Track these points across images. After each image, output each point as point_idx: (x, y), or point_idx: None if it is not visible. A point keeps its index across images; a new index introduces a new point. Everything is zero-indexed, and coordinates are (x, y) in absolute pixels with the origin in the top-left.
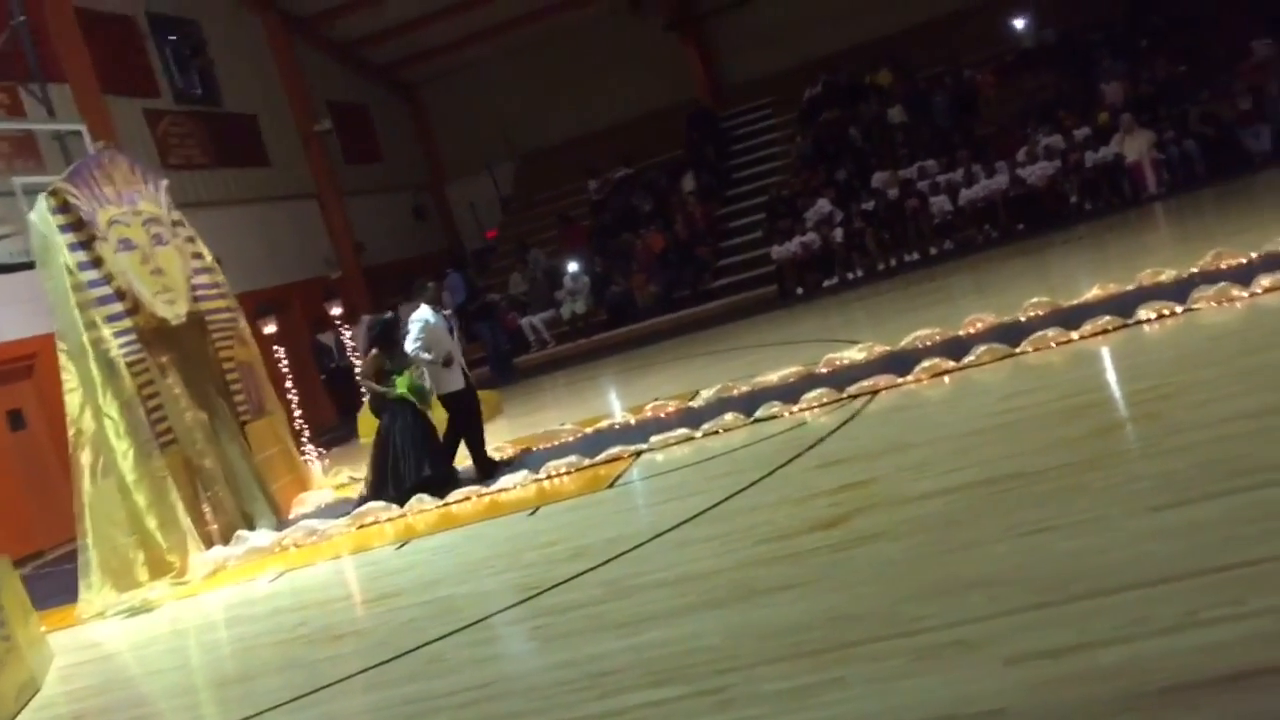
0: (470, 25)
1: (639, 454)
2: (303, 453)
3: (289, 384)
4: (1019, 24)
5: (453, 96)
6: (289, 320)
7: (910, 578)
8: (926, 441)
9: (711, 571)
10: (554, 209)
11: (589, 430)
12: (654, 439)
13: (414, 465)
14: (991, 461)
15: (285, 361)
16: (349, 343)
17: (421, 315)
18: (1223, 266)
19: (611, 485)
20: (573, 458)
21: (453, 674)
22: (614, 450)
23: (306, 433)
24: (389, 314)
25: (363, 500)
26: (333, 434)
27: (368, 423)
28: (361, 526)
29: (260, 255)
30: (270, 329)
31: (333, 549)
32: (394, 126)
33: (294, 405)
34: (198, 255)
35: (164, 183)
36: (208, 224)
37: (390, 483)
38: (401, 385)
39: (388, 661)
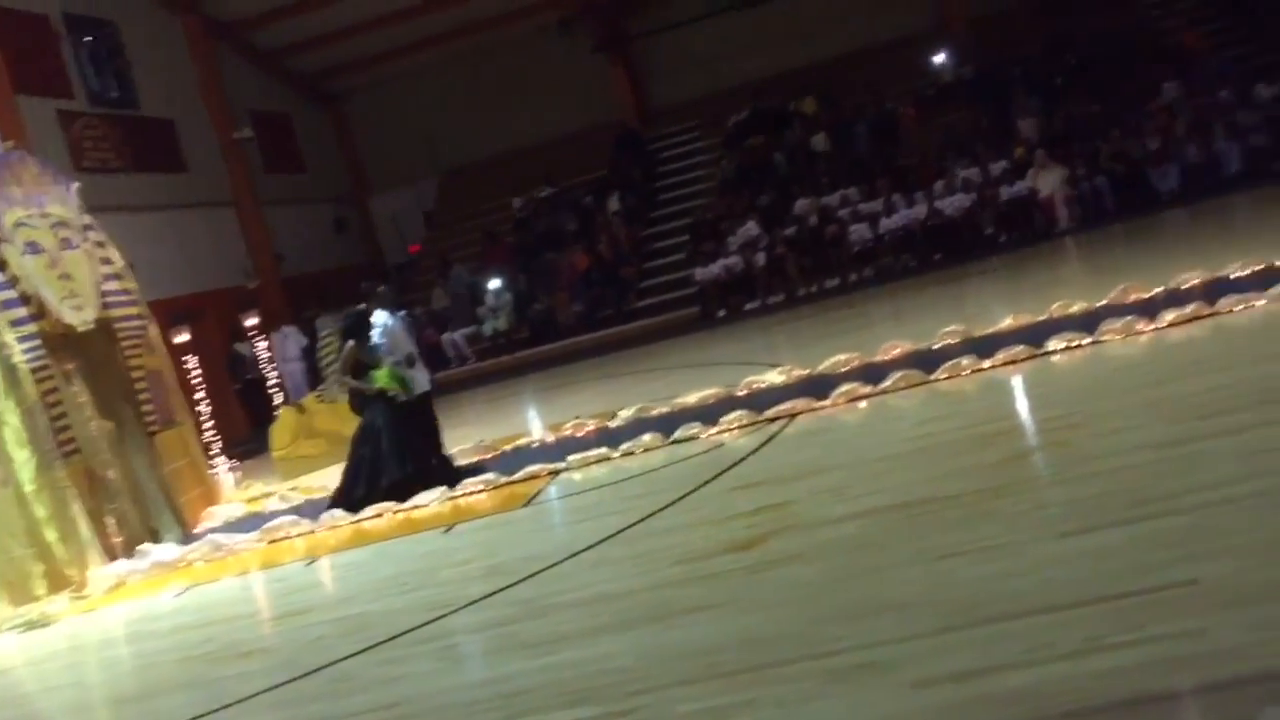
0: (397, 38)
1: (556, 473)
2: (213, 465)
3: (200, 394)
4: (940, 59)
5: (378, 109)
6: (203, 329)
7: (823, 600)
8: (842, 465)
9: (626, 592)
10: (478, 225)
11: (507, 448)
12: (572, 458)
13: (396, 463)
14: (905, 486)
15: (198, 371)
16: (264, 354)
17: (380, 319)
18: (1130, 300)
19: (528, 503)
20: (490, 475)
21: (361, 693)
22: (531, 468)
23: (218, 445)
24: (362, 305)
25: (333, 503)
26: (245, 446)
27: (281, 435)
28: (271, 542)
29: (175, 262)
30: (183, 338)
31: (240, 564)
32: (317, 137)
33: (205, 417)
34: (108, 260)
35: (75, 185)
36: (121, 229)
37: (363, 481)
38: (382, 379)
39: (294, 680)
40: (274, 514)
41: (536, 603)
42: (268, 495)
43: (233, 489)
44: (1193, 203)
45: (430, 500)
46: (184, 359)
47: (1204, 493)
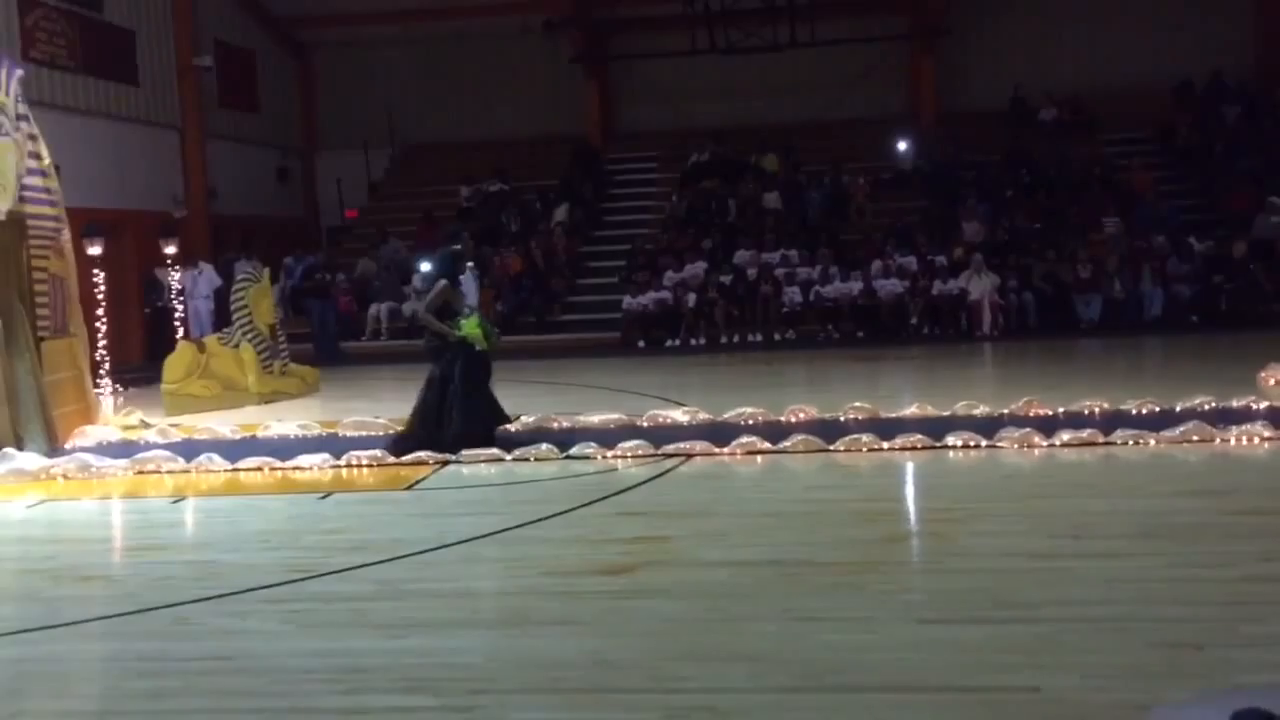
0: (380, 3)
1: (445, 463)
2: (98, 385)
3: (100, 311)
4: (902, 146)
5: (345, 68)
6: (119, 247)
7: (681, 638)
8: (728, 513)
9: (489, 592)
10: (421, 205)
11: (402, 429)
12: (464, 452)
13: (465, 412)
14: (783, 545)
15: (103, 288)
16: (176, 285)
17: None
18: (1031, 414)
19: (410, 487)
20: (377, 451)
21: (196, 640)
22: (421, 454)
23: (107, 365)
24: (457, 245)
25: (401, 442)
26: (136, 373)
27: (174, 369)
28: (140, 472)
29: (105, 174)
30: (96, 250)
31: (104, 488)
32: (278, 82)
33: (101, 335)
34: (36, 155)
35: (18, 73)
36: (56, 128)
37: (438, 424)
38: (470, 326)
39: (131, 613)
40: (149, 445)
41: (396, 585)
42: (147, 426)
43: (112, 413)
44: (1109, 336)
45: (312, 464)
46: (93, 272)
47: (1063, 608)
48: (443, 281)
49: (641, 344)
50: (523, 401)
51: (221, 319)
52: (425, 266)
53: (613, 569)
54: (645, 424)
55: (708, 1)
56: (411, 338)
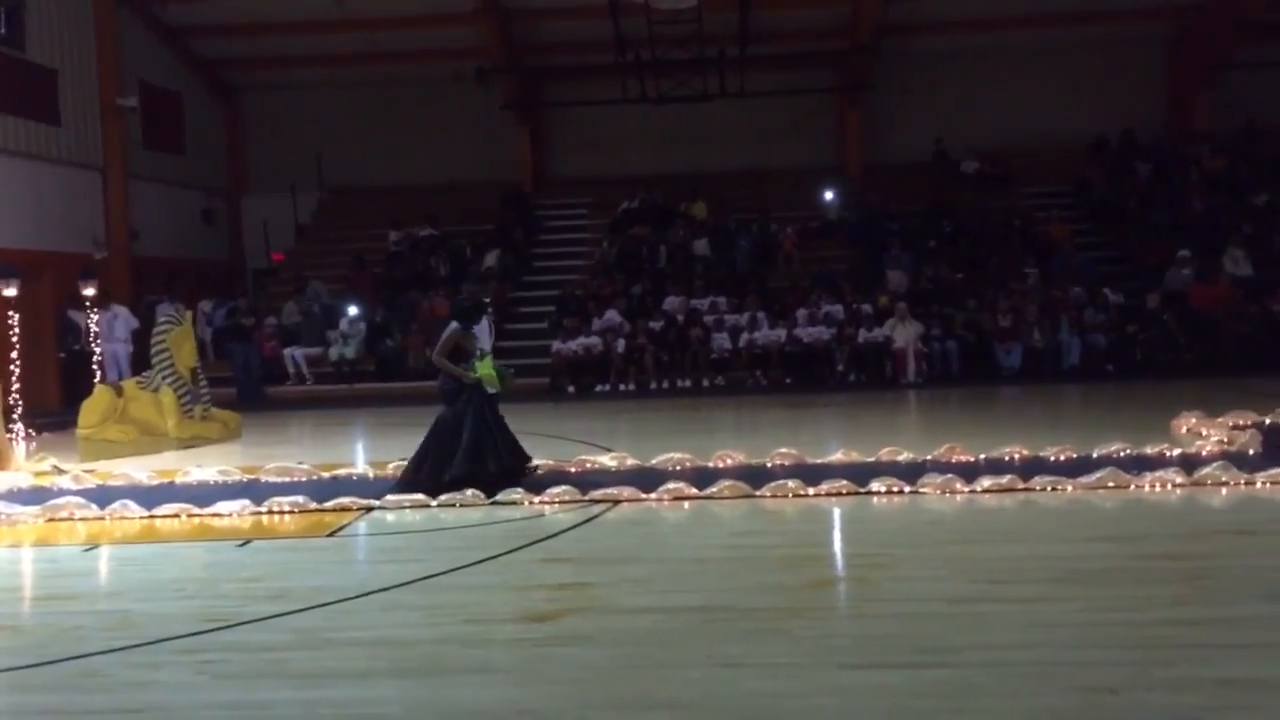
0: (308, 47)
1: (369, 509)
2: (9, 430)
3: (15, 354)
4: (829, 197)
5: (273, 111)
6: (36, 290)
7: (604, 686)
8: (654, 559)
9: (410, 640)
10: (350, 249)
11: (325, 475)
12: (388, 497)
13: (471, 455)
14: (709, 591)
15: (17, 331)
16: (95, 328)
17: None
18: (953, 460)
19: (333, 534)
20: (298, 498)
21: (105, 692)
22: (344, 500)
23: (20, 410)
24: (485, 298)
25: (405, 485)
26: (53, 418)
27: (90, 414)
28: (51, 519)
29: (23, 214)
30: (10, 291)
31: (14, 536)
32: (204, 123)
33: (15, 378)
34: None
35: None
36: None
37: (440, 468)
38: (485, 369)
39: (37, 665)
40: (62, 492)
41: (315, 634)
42: (61, 473)
43: (24, 459)
44: (1029, 384)
45: (231, 511)
46: (8, 314)
47: (982, 652)
48: (454, 324)
49: (571, 389)
50: None
51: (141, 362)
52: (354, 310)
53: (536, 616)
54: (573, 470)
55: (639, 52)
56: (336, 382)
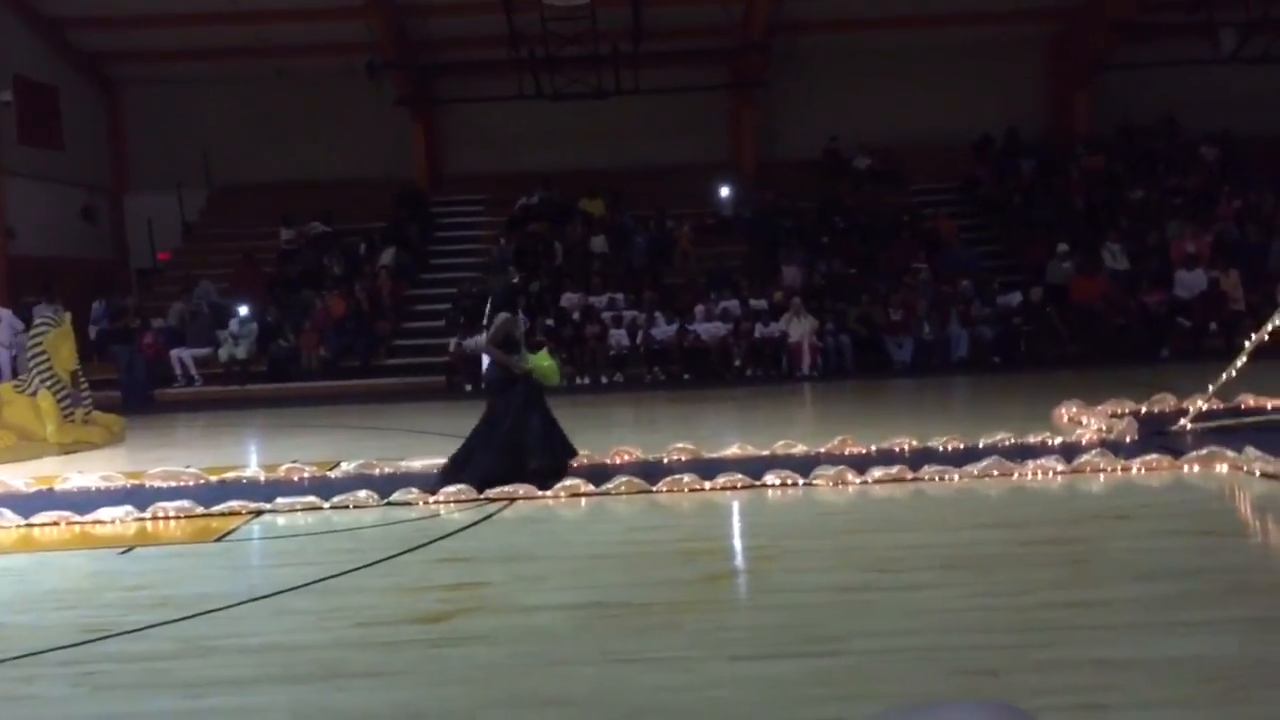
0: (192, 39)
1: (259, 513)
2: None
3: None
4: (725, 194)
5: (157, 106)
6: None
7: (497, 685)
8: (550, 556)
9: (300, 645)
10: (239, 247)
11: (213, 479)
12: (279, 500)
13: (542, 447)
14: (604, 587)
15: None
16: None
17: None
18: (846, 452)
19: (220, 539)
20: (185, 502)
21: None
22: (233, 504)
23: None
24: (514, 278)
25: (445, 479)
26: None
27: None
28: None
29: None
30: None
31: None
32: (84, 118)
33: None
34: None
35: None
36: None
37: (506, 460)
38: (540, 359)
39: None
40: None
41: (200, 642)
42: None
43: None
44: (920, 376)
45: (113, 518)
46: None
47: (870, 639)
48: (504, 314)
49: (468, 388)
50: (344, 446)
51: (17, 365)
52: (244, 310)
53: (430, 617)
54: None
55: (533, 48)
56: (227, 383)
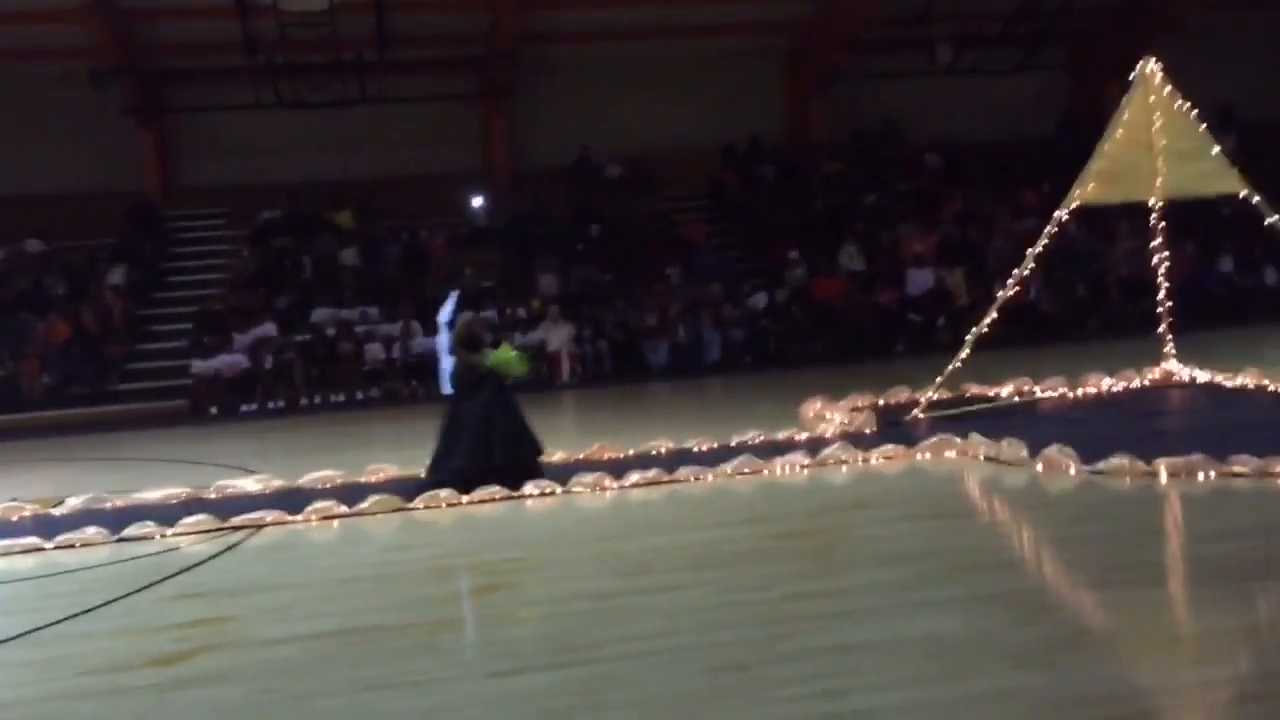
0: None
1: None
2: None
3: None
4: (477, 202)
5: None
6: None
7: None
8: (298, 584)
9: (13, 701)
10: None
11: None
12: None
13: (509, 446)
14: (355, 612)
15: None
16: None
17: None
18: (604, 458)
19: None
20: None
21: None
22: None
23: None
24: (480, 282)
25: (428, 484)
26: None
27: None
28: None
29: None
30: None
31: None
32: None
33: None
34: None
35: None
36: None
37: (478, 459)
38: (505, 356)
39: None
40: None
41: None
42: None
43: None
44: (676, 379)
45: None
46: None
47: (624, 644)
48: (468, 313)
49: (214, 411)
50: (71, 481)
51: None
52: None
53: (164, 659)
54: (213, 495)
55: (271, 55)
56: None
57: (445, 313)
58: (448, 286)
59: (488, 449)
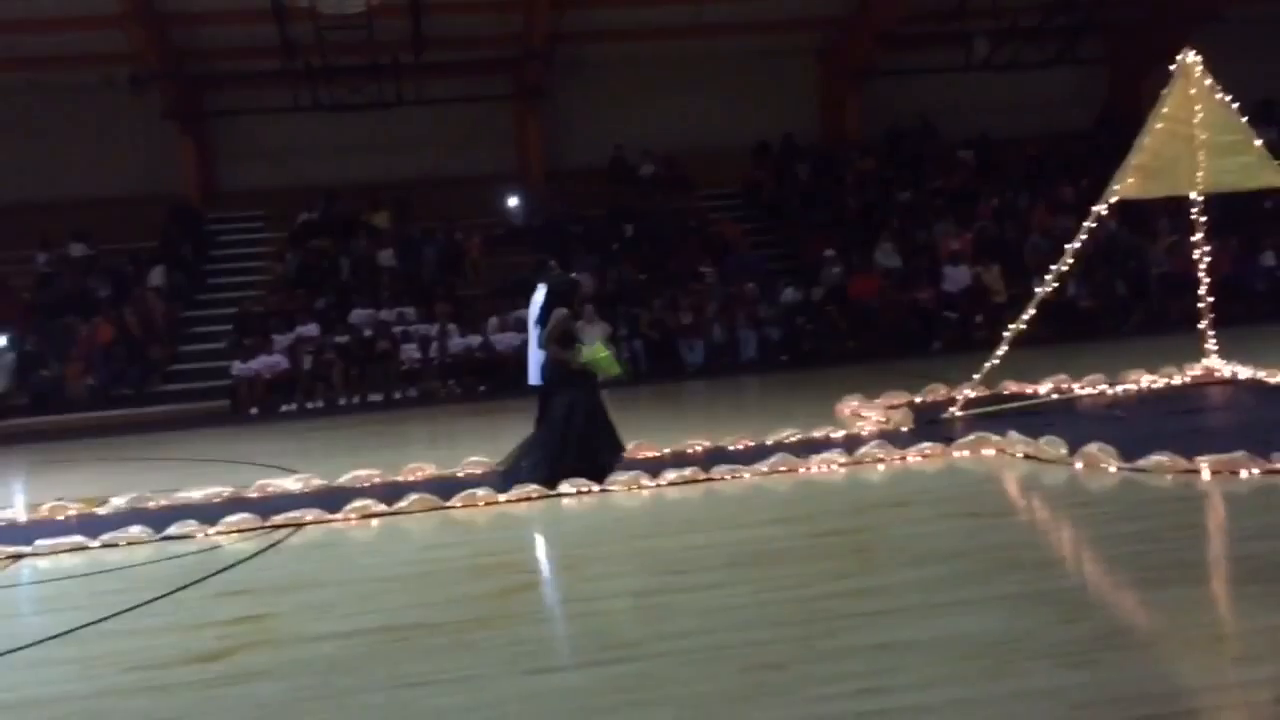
0: None
1: (18, 557)
2: None
3: None
4: (513, 203)
5: None
6: None
7: None
8: (338, 582)
9: (61, 697)
10: None
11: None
12: (40, 543)
13: (610, 442)
14: (395, 609)
15: None
16: None
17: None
18: (640, 456)
19: None
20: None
21: None
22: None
23: None
24: (572, 274)
25: (514, 476)
26: None
27: None
28: None
29: None
30: None
31: None
32: None
33: None
34: None
35: None
36: None
37: (573, 454)
38: (599, 354)
39: None
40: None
41: None
42: None
43: None
44: (712, 377)
45: None
46: None
47: (662, 642)
48: (563, 310)
49: (255, 411)
50: (116, 481)
51: None
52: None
53: (208, 656)
54: (254, 495)
55: (309, 58)
56: None
57: (534, 309)
58: (534, 280)
59: (563, 448)
